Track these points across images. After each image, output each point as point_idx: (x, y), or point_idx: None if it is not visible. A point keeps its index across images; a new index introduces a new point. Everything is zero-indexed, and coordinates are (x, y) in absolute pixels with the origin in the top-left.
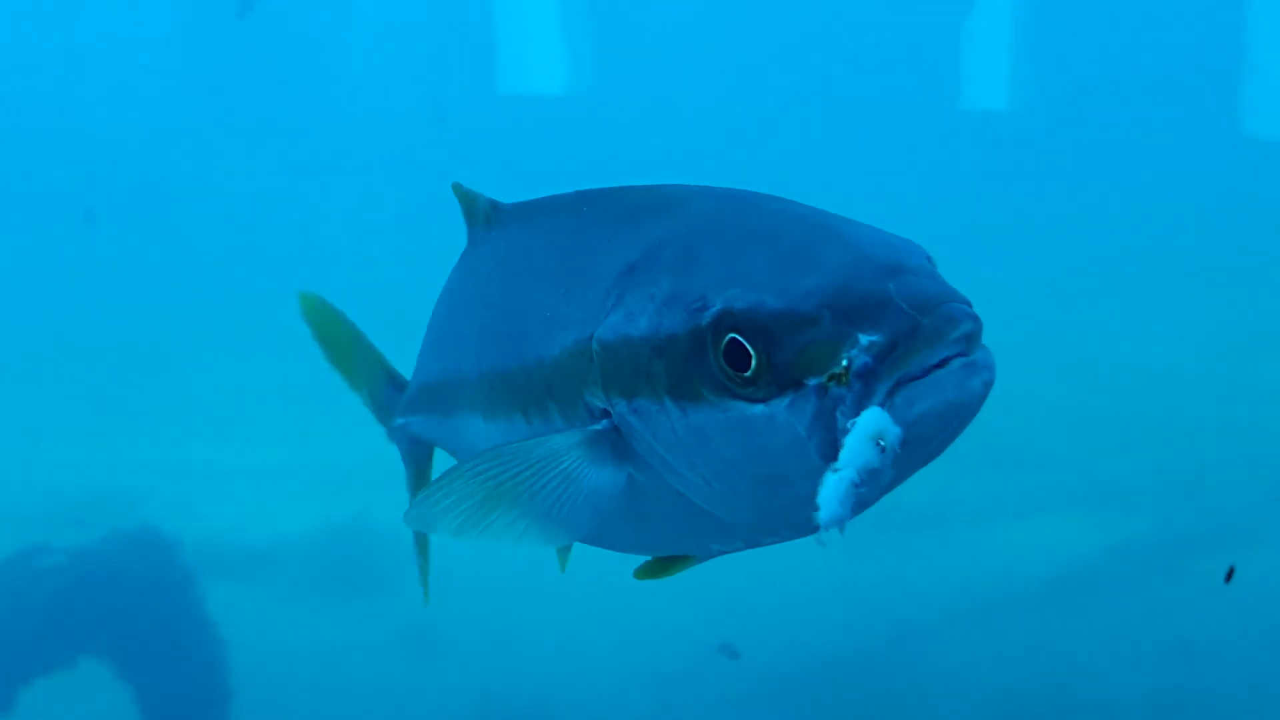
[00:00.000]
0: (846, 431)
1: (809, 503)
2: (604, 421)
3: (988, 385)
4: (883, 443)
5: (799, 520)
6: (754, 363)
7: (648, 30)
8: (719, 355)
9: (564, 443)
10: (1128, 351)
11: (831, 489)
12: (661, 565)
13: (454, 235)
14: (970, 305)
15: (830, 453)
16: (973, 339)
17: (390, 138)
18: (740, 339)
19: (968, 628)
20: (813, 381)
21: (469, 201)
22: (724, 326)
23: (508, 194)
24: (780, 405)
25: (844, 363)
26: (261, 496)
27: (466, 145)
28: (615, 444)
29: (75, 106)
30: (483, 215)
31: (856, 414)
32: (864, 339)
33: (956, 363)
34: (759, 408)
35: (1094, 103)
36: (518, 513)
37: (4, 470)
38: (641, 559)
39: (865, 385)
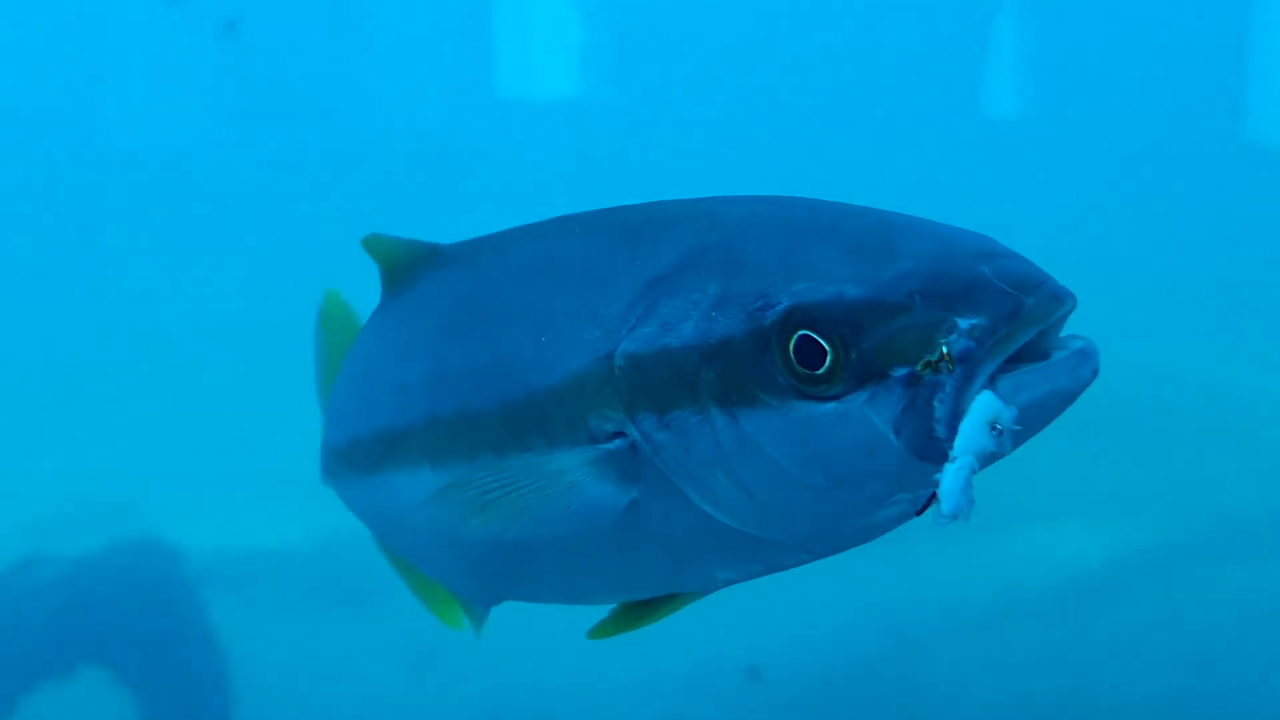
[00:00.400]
0: (945, 420)
1: (871, 506)
2: (618, 441)
3: (1095, 374)
4: (999, 426)
5: (850, 529)
6: (829, 359)
7: (652, 31)
8: (787, 354)
9: (574, 460)
10: (1131, 356)
11: (952, 478)
12: (635, 614)
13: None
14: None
15: (924, 445)
16: (1062, 321)
17: (389, 148)
18: (813, 335)
19: (975, 637)
20: (899, 372)
21: (390, 249)
22: (794, 323)
23: (506, 200)
24: (857, 401)
25: (942, 349)
26: (264, 505)
27: (467, 152)
28: (624, 466)
29: (73, 121)
30: (413, 261)
31: (958, 400)
32: (963, 323)
33: (1059, 350)
34: (829, 406)
35: (1103, 110)
36: (509, 523)
37: (3, 479)
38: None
39: (967, 370)
